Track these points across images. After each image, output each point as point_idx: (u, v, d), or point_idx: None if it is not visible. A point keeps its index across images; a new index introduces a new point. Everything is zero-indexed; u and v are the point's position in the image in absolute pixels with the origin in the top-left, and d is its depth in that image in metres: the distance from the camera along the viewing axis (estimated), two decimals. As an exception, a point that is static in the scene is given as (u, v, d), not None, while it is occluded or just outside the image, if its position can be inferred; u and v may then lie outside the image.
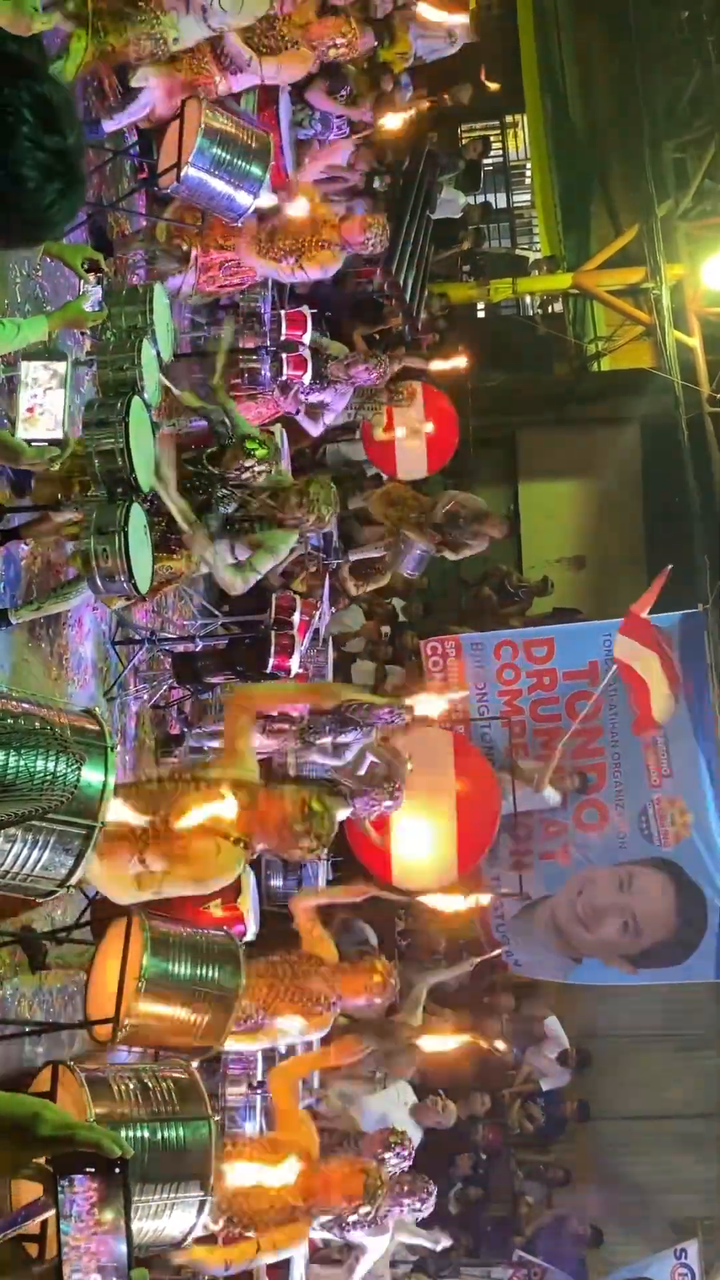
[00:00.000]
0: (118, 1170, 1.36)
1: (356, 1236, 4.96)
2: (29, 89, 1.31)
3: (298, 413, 7.22)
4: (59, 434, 4.34)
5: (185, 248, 6.35)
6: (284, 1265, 5.37)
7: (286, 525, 5.57)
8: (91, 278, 4.11)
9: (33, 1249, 3.34)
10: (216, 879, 4.12)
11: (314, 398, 7.26)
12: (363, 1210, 4.63)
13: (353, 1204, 4.60)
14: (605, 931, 8.94)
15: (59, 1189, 1.36)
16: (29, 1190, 1.53)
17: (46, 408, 4.32)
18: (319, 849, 4.28)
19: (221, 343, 6.24)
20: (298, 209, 6.39)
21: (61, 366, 4.34)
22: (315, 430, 7.59)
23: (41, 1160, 1.39)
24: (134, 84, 5.96)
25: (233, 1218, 4.41)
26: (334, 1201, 4.60)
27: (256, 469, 5.49)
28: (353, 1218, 4.65)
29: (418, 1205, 5.23)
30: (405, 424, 9.30)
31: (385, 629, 10.28)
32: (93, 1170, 1.35)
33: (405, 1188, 5.17)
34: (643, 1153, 10.42)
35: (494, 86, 11.87)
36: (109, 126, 6.24)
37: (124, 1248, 1.36)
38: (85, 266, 4.08)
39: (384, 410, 8.77)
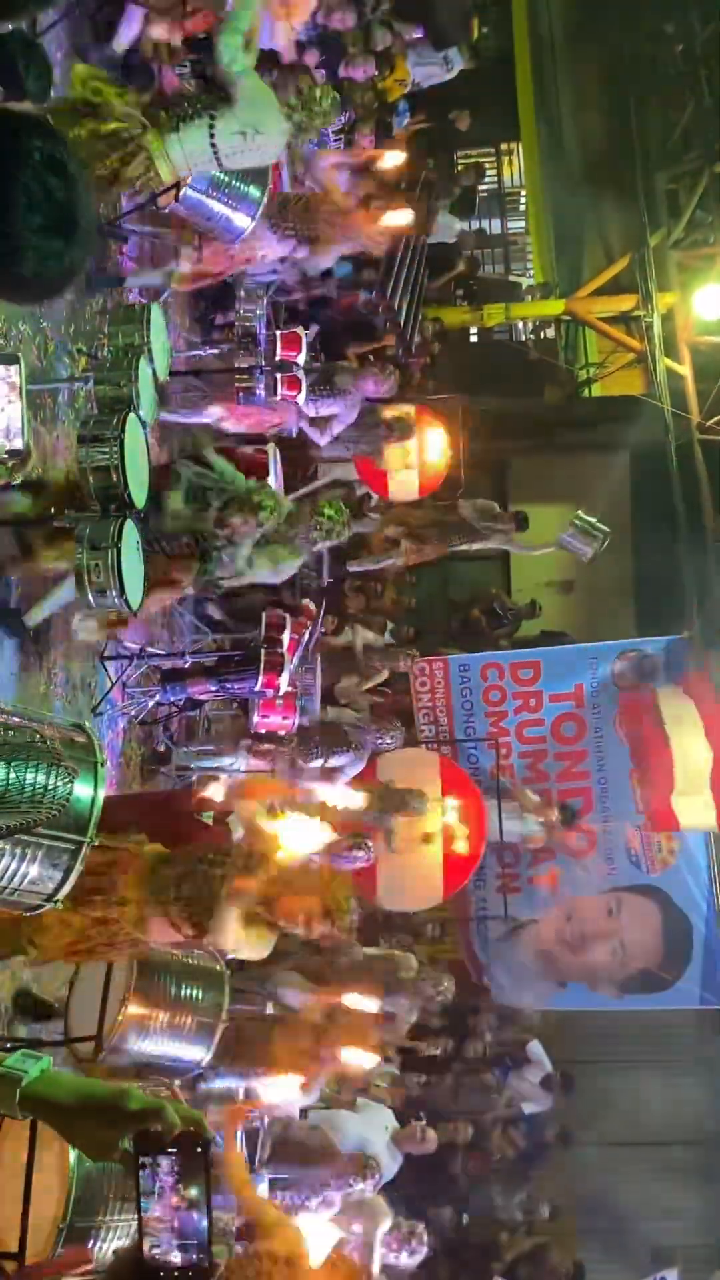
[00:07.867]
0: (199, 1150, 1.41)
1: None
2: (46, 151, 1.32)
3: (301, 421, 7.23)
4: (19, 444, 4.05)
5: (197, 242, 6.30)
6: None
7: (295, 544, 5.58)
8: None
9: (12, 1267, 3.30)
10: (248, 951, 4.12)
11: (325, 409, 7.27)
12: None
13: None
14: (594, 956, 8.93)
15: (140, 1166, 1.41)
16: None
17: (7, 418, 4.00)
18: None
19: None
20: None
21: (14, 372, 3.98)
22: (323, 440, 7.58)
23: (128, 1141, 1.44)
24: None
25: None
26: None
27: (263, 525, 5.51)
28: None
29: (408, 1254, 5.89)
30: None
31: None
32: (175, 1150, 1.41)
33: (406, 1230, 5.82)
34: (624, 1180, 10.36)
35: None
36: None
37: (205, 1223, 1.40)
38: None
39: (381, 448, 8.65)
